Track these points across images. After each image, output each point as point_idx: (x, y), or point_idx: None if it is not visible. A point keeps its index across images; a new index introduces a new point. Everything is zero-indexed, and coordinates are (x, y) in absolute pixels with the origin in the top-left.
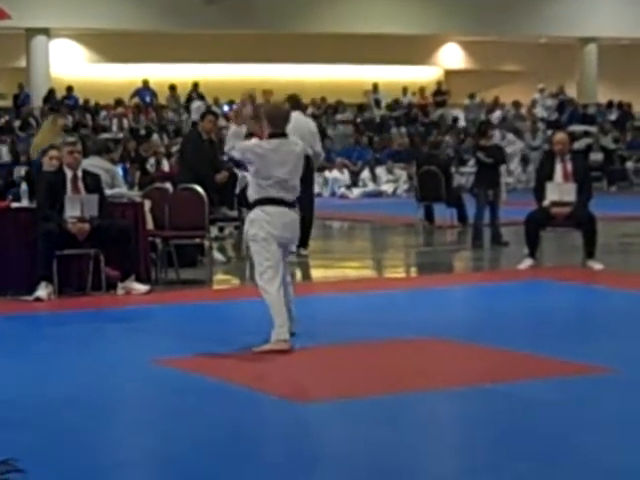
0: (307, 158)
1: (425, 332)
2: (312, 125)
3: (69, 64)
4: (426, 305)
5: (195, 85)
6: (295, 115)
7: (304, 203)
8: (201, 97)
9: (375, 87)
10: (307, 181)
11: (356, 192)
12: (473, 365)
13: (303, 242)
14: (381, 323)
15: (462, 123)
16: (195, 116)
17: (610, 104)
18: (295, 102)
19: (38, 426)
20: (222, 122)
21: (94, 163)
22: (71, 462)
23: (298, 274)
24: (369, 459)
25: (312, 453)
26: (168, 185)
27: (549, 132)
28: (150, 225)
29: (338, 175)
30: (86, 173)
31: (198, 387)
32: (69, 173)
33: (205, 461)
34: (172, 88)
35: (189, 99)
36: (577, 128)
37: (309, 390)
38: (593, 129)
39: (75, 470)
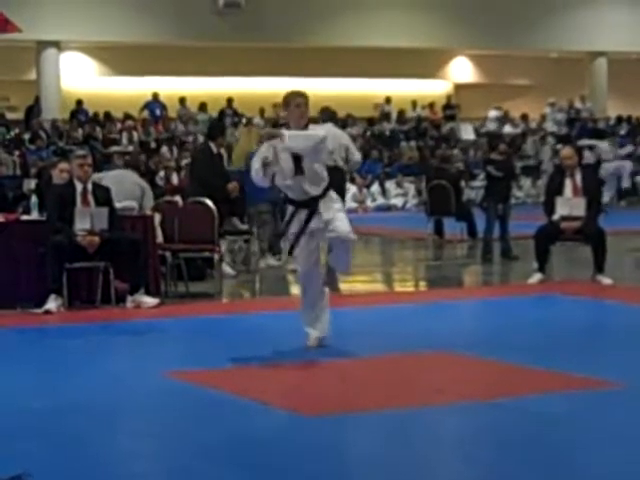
0: (338, 170)
1: (434, 346)
2: (345, 137)
3: (79, 77)
4: (435, 319)
5: (229, 100)
6: (328, 127)
7: None
8: (235, 113)
9: (387, 100)
10: (339, 194)
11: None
12: (482, 379)
13: None
14: (390, 337)
15: (471, 137)
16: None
17: (620, 119)
18: (328, 114)
19: (49, 437)
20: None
21: (128, 176)
22: (81, 473)
23: None
24: (378, 472)
25: (321, 467)
26: (178, 198)
27: (559, 146)
28: (160, 238)
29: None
30: (96, 186)
31: (208, 400)
32: (79, 186)
33: (214, 473)
34: (182, 101)
35: (221, 114)
36: (585, 142)
37: (319, 403)
38: (605, 143)
39: None
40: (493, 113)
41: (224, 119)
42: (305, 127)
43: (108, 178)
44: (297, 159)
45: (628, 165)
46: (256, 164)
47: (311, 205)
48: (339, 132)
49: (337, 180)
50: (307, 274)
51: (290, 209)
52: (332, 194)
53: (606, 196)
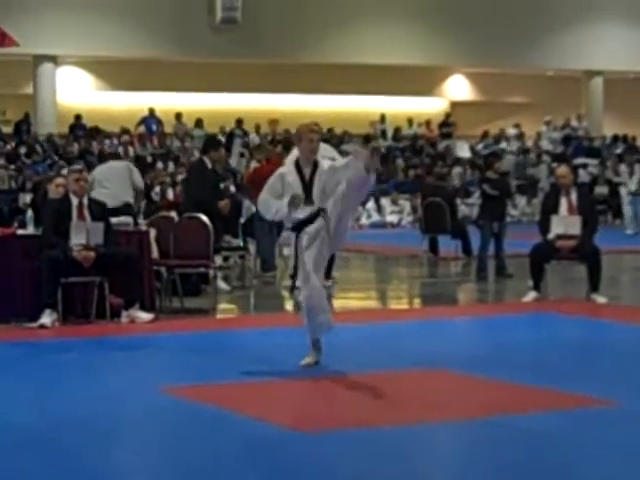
0: None
1: (429, 364)
2: (329, 150)
3: (76, 91)
4: (430, 337)
5: (239, 122)
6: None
7: None
8: (245, 132)
9: (382, 118)
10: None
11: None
12: (477, 397)
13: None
14: (385, 354)
15: (467, 154)
16: (234, 159)
17: (616, 137)
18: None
19: (43, 452)
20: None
21: (116, 164)
22: None
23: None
24: None
25: None
26: (173, 214)
27: (554, 165)
28: (155, 254)
29: None
30: (92, 201)
31: (202, 416)
32: (75, 201)
33: None
34: (178, 116)
35: (230, 136)
36: (580, 161)
37: (314, 420)
38: (595, 162)
39: None
40: (512, 131)
41: (233, 139)
42: (315, 162)
43: (101, 170)
44: (307, 187)
45: None
46: (265, 194)
47: (316, 216)
48: (324, 147)
49: None
50: (309, 274)
51: (293, 236)
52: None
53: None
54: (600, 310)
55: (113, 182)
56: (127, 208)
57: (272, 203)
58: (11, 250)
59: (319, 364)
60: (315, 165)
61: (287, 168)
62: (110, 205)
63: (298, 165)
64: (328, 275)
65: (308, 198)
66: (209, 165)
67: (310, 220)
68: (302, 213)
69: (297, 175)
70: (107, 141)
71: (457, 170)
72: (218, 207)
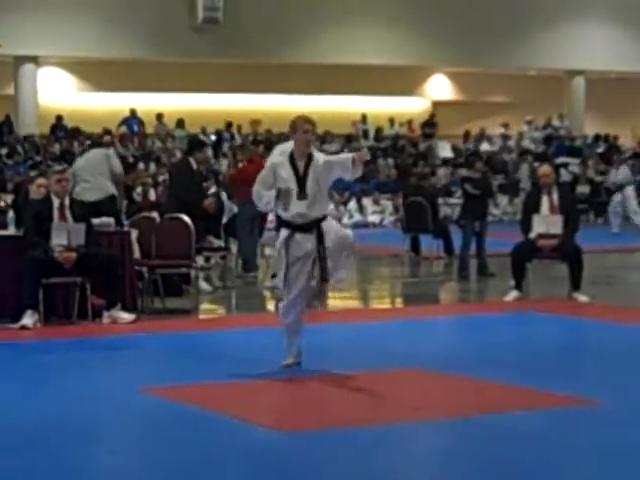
0: None
1: (410, 363)
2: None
3: (57, 92)
4: (412, 336)
5: (229, 124)
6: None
7: None
8: (232, 136)
9: (364, 118)
10: None
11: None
12: (458, 396)
13: None
14: (367, 354)
15: (449, 154)
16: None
17: (597, 137)
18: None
19: (24, 452)
20: (209, 152)
21: (95, 152)
22: None
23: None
24: None
25: None
26: (155, 214)
27: (536, 164)
28: (137, 254)
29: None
30: (73, 201)
31: (184, 416)
32: (56, 201)
33: None
34: (159, 117)
35: (219, 138)
36: (562, 161)
37: (297, 421)
38: (576, 161)
39: None
40: (500, 131)
41: (222, 143)
42: (310, 155)
43: (80, 163)
44: (301, 181)
45: None
46: (257, 186)
47: (310, 228)
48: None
49: None
50: (295, 300)
51: (283, 233)
52: (330, 221)
53: None
54: (582, 309)
55: (93, 174)
56: (110, 201)
57: (263, 194)
58: None
59: (300, 365)
60: (309, 158)
61: (279, 159)
62: (93, 199)
63: (292, 158)
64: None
65: (302, 192)
66: (194, 166)
67: (305, 228)
68: (296, 208)
69: (291, 168)
70: (88, 142)
71: (444, 171)
72: (203, 207)
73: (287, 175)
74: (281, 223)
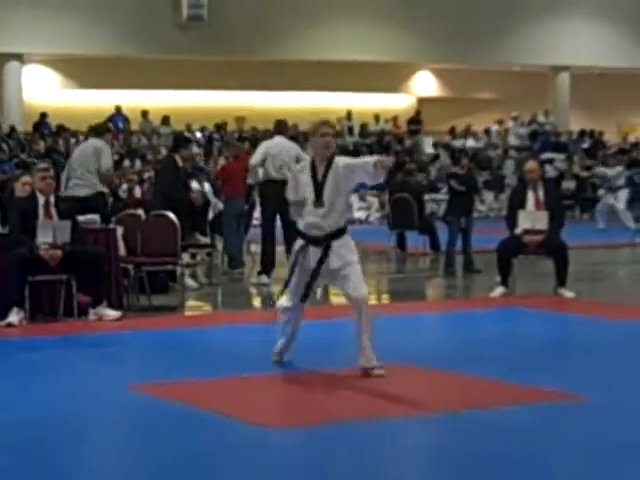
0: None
1: (397, 359)
2: (295, 148)
3: (42, 89)
4: (398, 332)
5: (218, 126)
6: (277, 140)
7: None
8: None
9: (349, 114)
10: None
11: None
12: (444, 392)
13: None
14: (353, 350)
15: (430, 150)
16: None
17: (583, 132)
18: (279, 127)
19: (11, 450)
20: (195, 149)
21: (88, 144)
22: None
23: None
24: None
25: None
26: (140, 211)
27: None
28: (122, 251)
29: None
30: (59, 199)
31: (170, 413)
32: (41, 199)
33: None
34: (144, 114)
35: (210, 140)
36: (547, 156)
37: (282, 417)
38: (562, 157)
39: None
40: (495, 127)
41: (212, 143)
42: (330, 158)
43: (74, 156)
44: (319, 188)
45: None
46: (289, 196)
47: (322, 243)
48: (288, 144)
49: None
50: (295, 307)
51: (299, 243)
52: (349, 240)
53: None
54: (567, 305)
55: (82, 169)
56: (98, 197)
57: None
58: None
59: (290, 361)
60: (330, 162)
61: (301, 165)
62: (82, 194)
63: (313, 164)
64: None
65: (318, 199)
66: (180, 163)
67: (318, 241)
68: (310, 217)
69: (310, 175)
70: (73, 139)
71: (436, 166)
72: (189, 202)
73: (306, 181)
74: (297, 233)
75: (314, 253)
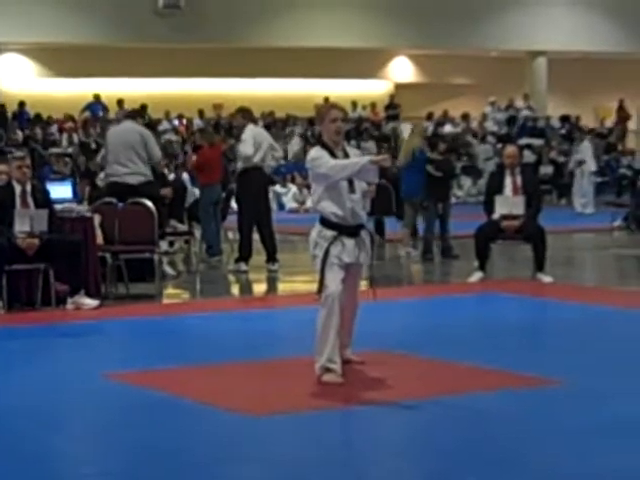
0: (262, 171)
1: (376, 345)
2: (267, 135)
3: (19, 79)
4: (376, 318)
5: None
6: (251, 128)
7: (265, 218)
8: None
9: (326, 101)
10: (266, 195)
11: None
12: (424, 378)
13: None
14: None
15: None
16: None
17: (564, 118)
18: (248, 116)
19: None
20: (173, 137)
21: (128, 127)
22: (20, 475)
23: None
24: (319, 472)
25: (261, 467)
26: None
27: (499, 146)
28: (100, 240)
29: (290, 189)
30: (35, 188)
31: (147, 401)
32: (18, 188)
33: (157, 476)
34: (120, 103)
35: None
36: (525, 141)
37: (260, 404)
38: (540, 142)
39: None
40: (488, 109)
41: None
42: (344, 149)
43: (113, 141)
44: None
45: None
46: (330, 163)
47: (356, 233)
48: (261, 131)
49: (263, 181)
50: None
51: (328, 234)
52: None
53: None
54: (545, 289)
55: (131, 153)
56: (147, 187)
57: (342, 162)
58: None
59: (267, 348)
60: (345, 152)
61: (318, 153)
62: (135, 182)
63: (330, 150)
64: (273, 258)
65: (351, 185)
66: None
67: (353, 231)
68: (348, 202)
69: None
70: (51, 128)
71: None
72: (161, 197)
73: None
74: (326, 224)
75: (349, 244)
